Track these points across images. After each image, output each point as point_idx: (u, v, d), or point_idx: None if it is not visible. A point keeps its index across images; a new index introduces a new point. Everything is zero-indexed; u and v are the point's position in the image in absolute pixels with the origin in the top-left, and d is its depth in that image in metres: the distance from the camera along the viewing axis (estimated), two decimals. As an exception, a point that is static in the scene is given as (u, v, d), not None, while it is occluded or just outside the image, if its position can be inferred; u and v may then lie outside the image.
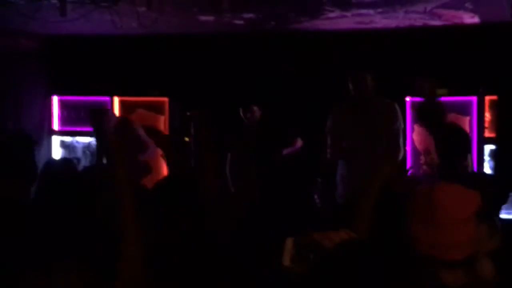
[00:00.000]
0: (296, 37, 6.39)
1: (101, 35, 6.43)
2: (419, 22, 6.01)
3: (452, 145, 5.23)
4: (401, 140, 5.00)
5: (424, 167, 6.19)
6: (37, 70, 6.91)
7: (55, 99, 7.18)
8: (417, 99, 6.35)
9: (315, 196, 5.53)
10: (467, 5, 5.23)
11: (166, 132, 6.97)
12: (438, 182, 2.26)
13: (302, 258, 1.46)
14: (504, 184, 3.97)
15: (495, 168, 5.77)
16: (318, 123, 5.44)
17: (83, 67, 6.88)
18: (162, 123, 7.05)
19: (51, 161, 5.63)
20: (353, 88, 4.80)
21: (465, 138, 5.51)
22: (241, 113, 5.96)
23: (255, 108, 5.94)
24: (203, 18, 5.84)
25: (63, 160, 5.49)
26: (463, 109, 6.06)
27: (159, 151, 6.08)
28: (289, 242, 1.48)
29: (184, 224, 2.63)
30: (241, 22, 6.00)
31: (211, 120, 5.81)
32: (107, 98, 7.05)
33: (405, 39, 6.26)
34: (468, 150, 5.40)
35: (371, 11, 5.53)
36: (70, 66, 6.95)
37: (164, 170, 6.05)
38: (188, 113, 5.72)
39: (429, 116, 5.48)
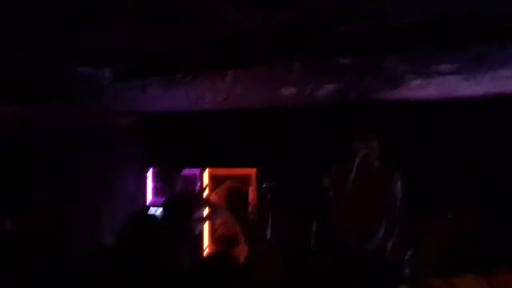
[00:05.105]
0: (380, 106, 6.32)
1: (192, 111, 6.72)
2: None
3: None
4: None
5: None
6: (133, 146, 7.29)
7: (149, 173, 7.52)
8: None
9: None
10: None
11: (255, 203, 7.04)
12: None
13: None
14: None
15: None
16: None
17: (177, 142, 7.19)
18: (251, 194, 7.15)
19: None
20: None
21: None
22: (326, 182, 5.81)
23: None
24: (286, 91, 5.93)
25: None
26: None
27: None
28: None
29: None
30: (324, 92, 6.02)
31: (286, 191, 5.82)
32: (197, 170, 7.29)
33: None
34: None
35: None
36: (165, 141, 7.29)
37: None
38: (264, 185, 5.76)
39: None
